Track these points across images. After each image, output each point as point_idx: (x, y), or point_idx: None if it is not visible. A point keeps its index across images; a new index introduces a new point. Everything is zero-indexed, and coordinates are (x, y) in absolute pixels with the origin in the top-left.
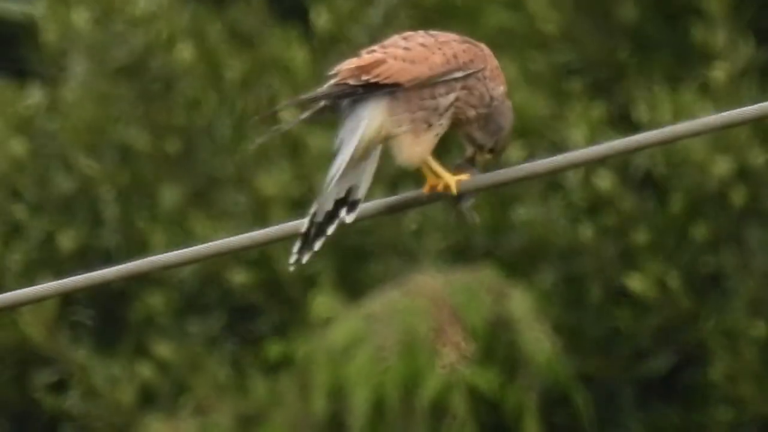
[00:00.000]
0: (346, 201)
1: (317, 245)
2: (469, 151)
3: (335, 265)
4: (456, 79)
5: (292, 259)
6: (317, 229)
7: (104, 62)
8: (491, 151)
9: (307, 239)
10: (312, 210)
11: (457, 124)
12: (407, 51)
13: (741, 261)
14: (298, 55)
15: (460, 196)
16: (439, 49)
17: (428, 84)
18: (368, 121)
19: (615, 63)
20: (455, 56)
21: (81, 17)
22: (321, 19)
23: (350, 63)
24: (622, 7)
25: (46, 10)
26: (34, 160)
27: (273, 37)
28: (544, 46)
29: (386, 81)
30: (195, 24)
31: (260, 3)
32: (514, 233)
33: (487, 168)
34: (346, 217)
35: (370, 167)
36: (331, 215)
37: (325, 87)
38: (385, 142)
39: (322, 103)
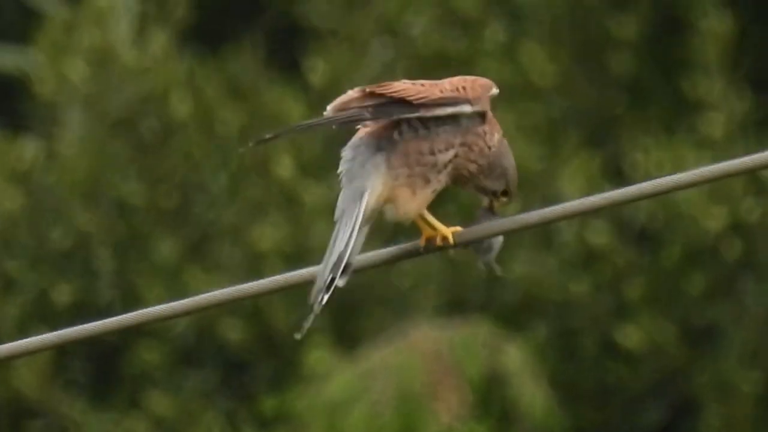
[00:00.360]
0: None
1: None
2: (485, 201)
3: (330, 319)
4: (463, 115)
5: (299, 334)
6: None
7: (100, 115)
8: (504, 193)
9: (312, 309)
10: (319, 281)
11: (460, 180)
12: (414, 85)
13: (735, 313)
14: (294, 109)
15: (481, 249)
16: (447, 82)
17: (438, 103)
18: (370, 191)
19: (609, 115)
20: (464, 88)
21: (76, 70)
22: (317, 72)
23: (358, 89)
24: (617, 59)
25: (41, 63)
26: (30, 213)
27: (269, 90)
28: (539, 98)
29: (395, 95)
30: (191, 76)
31: (256, 55)
32: (509, 288)
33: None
34: (339, 280)
35: (363, 236)
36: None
37: (331, 110)
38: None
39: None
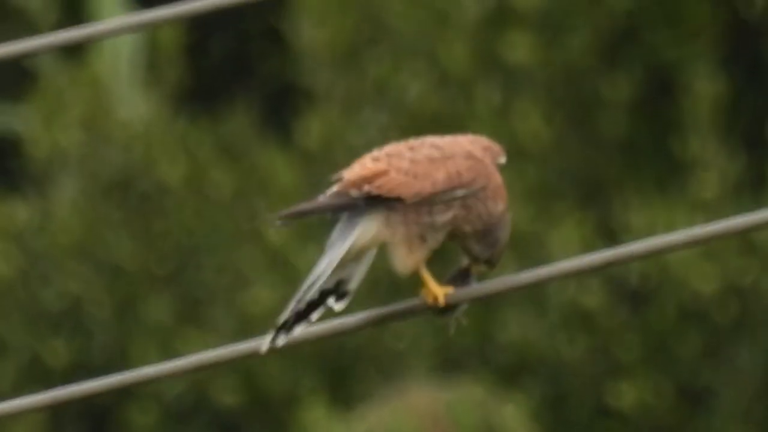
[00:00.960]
0: (336, 291)
1: (297, 330)
2: (465, 261)
3: (325, 379)
4: (456, 198)
5: (265, 345)
6: (298, 316)
7: (93, 177)
8: (487, 262)
9: (285, 326)
10: (292, 302)
11: (454, 237)
12: (412, 164)
13: (729, 377)
14: (286, 172)
15: (450, 308)
16: (444, 165)
17: (429, 200)
18: (362, 229)
19: (602, 176)
20: (458, 173)
21: (69, 133)
22: (310, 135)
23: (354, 171)
24: (610, 120)
25: (34, 124)
26: (24, 274)
27: (262, 153)
28: (533, 160)
29: (388, 194)
30: (184, 139)
31: (250, 117)
32: (501, 349)
33: (480, 278)
34: (335, 305)
35: (364, 264)
36: (317, 304)
37: (327, 196)
38: (379, 247)
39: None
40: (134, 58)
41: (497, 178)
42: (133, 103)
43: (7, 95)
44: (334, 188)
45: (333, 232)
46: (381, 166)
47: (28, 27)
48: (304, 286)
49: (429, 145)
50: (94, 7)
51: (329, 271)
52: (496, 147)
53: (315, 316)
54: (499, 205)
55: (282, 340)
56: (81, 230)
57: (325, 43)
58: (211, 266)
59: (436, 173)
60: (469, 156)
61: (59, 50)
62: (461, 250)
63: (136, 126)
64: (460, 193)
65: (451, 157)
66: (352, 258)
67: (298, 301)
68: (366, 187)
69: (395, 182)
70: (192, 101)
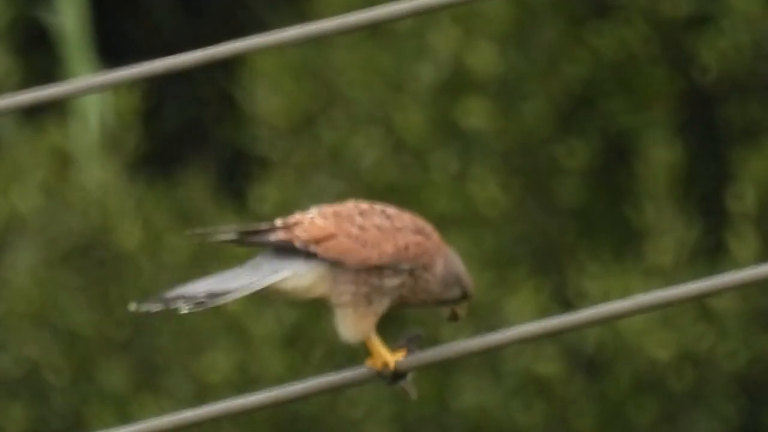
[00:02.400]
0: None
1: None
2: (446, 311)
3: None
4: (402, 270)
5: (143, 307)
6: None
7: (51, 245)
8: (464, 297)
9: (168, 301)
10: (190, 287)
11: (407, 303)
12: (361, 230)
13: None
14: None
15: (399, 375)
16: (393, 237)
17: (373, 269)
18: (300, 271)
19: (558, 243)
20: (406, 248)
21: (26, 201)
22: (265, 200)
23: (303, 227)
24: (565, 188)
25: None
26: None
27: (218, 218)
28: (488, 227)
29: (334, 258)
30: (141, 205)
31: (205, 184)
32: (457, 418)
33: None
34: (186, 309)
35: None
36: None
37: (270, 235)
38: (313, 302)
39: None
40: (94, 123)
41: (436, 240)
42: (92, 170)
43: None
44: (280, 234)
45: (263, 257)
46: (330, 228)
47: None
48: (215, 288)
49: (379, 212)
50: (65, 71)
51: (245, 293)
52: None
53: (184, 309)
54: (439, 260)
55: (156, 310)
56: (38, 296)
57: (278, 110)
58: (167, 332)
59: (385, 245)
60: (418, 230)
61: (20, 114)
62: (437, 306)
63: (94, 192)
64: (405, 266)
65: (400, 230)
66: (271, 294)
67: (204, 294)
68: (312, 248)
69: (342, 247)
70: (148, 167)
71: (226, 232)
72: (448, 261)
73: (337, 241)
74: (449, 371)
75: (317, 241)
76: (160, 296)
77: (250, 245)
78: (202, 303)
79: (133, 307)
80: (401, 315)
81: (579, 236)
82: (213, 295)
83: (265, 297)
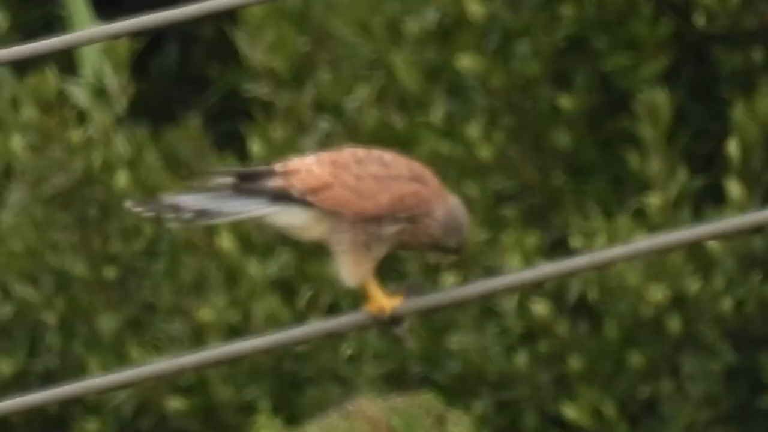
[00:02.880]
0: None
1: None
2: (434, 257)
3: (273, 391)
4: (400, 218)
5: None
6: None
7: (41, 189)
8: (455, 251)
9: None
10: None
11: (406, 246)
12: (357, 180)
13: (676, 388)
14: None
15: (395, 320)
16: (389, 187)
17: (371, 219)
18: (295, 211)
19: (549, 189)
20: (402, 198)
21: (17, 144)
22: (255, 147)
23: (300, 176)
24: (556, 134)
25: None
26: None
27: (208, 165)
28: (479, 173)
29: (331, 208)
30: (131, 151)
31: (196, 130)
32: (449, 360)
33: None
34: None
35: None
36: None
37: (268, 181)
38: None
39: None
40: (88, 68)
41: (436, 186)
42: (87, 113)
43: None
44: (277, 181)
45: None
46: (326, 178)
47: None
48: (208, 206)
49: (376, 159)
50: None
51: (236, 218)
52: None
53: (172, 222)
54: (439, 207)
55: (149, 213)
56: (28, 240)
57: (269, 56)
58: (159, 277)
59: (381, 195)
60: (414, 177)
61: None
62: (426, 250)
63: (88, 134)
64: (402, 215)
65: (397, 178)
66: (265, 223)
67: (196, 209)
68: (309, 197)
69: (338, 198)
70: (140, 114)
71: (224, 174)
72: (450, 208)
73: (333, 191)
74: (441, 314)
75: (314, 191)
76: (156, 201)
77: (246, 192)
78: (191, 219)
79: (128, 204)
80: (401, 266)
81: (570, 182)
82: (204, 214)
83: (256, 225)
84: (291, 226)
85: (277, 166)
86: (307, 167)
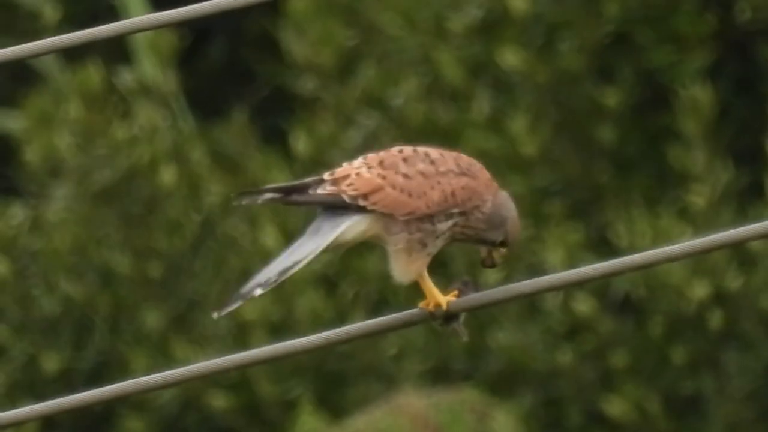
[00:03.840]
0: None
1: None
2: (483, 251)
3: (316, 388)
4: (452, 213)
5: (220, 311)
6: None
7: (86, 185)
8: (503, 244)
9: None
10: (269, 272)
11: (459, 240)
12: (406, 180)
13: (719, 384)
14: (278, 178)
15: (451, 316)
16: (438, 183)
17: (423, 218)
18: (354, 222)
19: (593, 185)
20: (453, 194)
21: (63, 141)
22: (300, 143)
23: (350, 179)
24: (601, 130)
25: (27, 131)
26: (17, 280)
27: (254, 161)
28: (524, 169)
29: (383, 210)
30: (177, 147)
31: (242, 126)
32: (493, 357)
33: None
34: (258, 291)
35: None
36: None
37: (320, 190)
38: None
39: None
40: (139, 64)
41: (485, 175)
42: (134, 109)
43: (4, 96)
44: (328, 187)
45: (319, 220)
46: (376, 180)
47: (32, 29)
48: (285, 264)
49: (423, 157)
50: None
51: (312, 256)
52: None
53: (259, 292)
54: (488, 199)
55: (234, 306)
56: (74, 236)
57: (315, 51)
58: (204, 273)
59: (431, 192)
60: (462, 172)
61: (62, 53)
62: (476, 244)
63: (128, 132)
64: (455, 210)
65: (445, 174)
66: (334, 248)
67: (276, 273)
68: (361, 201)
69: (390, 199)
70: (187, 106)
71: (272, 191)
72: (497, 201)
73: (384, 193)
74: (485, 311)
75: (365, 195)
76: (237, 294)
77: (297, 204)
78: (275, 281)
79: (215, 315)
80: (448, 266)
81: (614, 178)
82: (284, 271)
83: (330, 251)
84: (356, 237)
85: (326, 175)
86: (356, 172)
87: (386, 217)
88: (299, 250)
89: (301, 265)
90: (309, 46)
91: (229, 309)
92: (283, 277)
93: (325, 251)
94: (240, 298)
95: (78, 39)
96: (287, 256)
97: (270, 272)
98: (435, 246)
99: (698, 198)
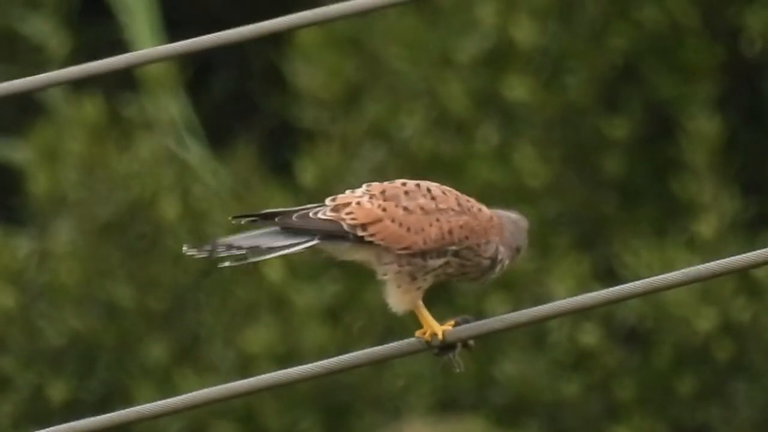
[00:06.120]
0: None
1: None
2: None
3: (322, 419)
4: (447, 252)
5: (191, 251)
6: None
7: (90, 219)
8: (518, 250)
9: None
10: (238, 240)
11: (452, 277)
12: (406, 213)
13: (726, 415)
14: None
15: (448, 346)
16: (437, 220)
17: (418, 254)
18: (348, 246)
19: (600, 216)
20: (450, 232)
21: (66, 176)
22: (307, 174)
23: (351, 208)
24: (607, 161)
25: (32, 163)
26: (23, 311)
27: (260, 191)
28: (530, 200)
29: (380, 242)
30: (181, 178)
31: (248, 157)
32: (499, 388)
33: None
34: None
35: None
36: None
37: (319, 218)
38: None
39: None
40: (144, 95)
41: (485, 219)
42: (129, 146)
43: (10, 127)
44: (328, 212)
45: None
46: (376, 212)
47: (36, 61)
48: (264, 244)
49: (425, 192)
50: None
51: (285, 252)
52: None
53: (226, 262)
54: (491, 243)
55: (204, 256)
56: (78, 269)
57: (323, 83)
58: (209, 305)
59: (429, 229)
60: (463, 211)
61: (69, 84)
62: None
63: (136, 164)
64: (451, 248)
65: (445, 211)
66: (317, 251)
67: (238, 248)
68: (360, 232)
69: (388, 232)
70: (193, 138)
71: (271, 215)
72: (505, 235)
73: (383, 225)
74: (490, 342)
75: (364, 226)
76: (211, 241)
77: (296, 228)
78: (244, 256)
79: (184, 248)
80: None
81: (620, 209)
82: (257, 251)
83: (307, 254)
84: (338, 249)
85: (327, 200)
86: (357, 200)
87: (378, 248)
88: (281, 239)
89: (272, 255)
90: (315, 78)
91: (197, 254)
92: (251, 258)
93: (307, 250)
94: (211, 247)
95: (82, 72)
96: (268, 238)
97: (244, 243)
98: (425, 281)
99: (705, 228)
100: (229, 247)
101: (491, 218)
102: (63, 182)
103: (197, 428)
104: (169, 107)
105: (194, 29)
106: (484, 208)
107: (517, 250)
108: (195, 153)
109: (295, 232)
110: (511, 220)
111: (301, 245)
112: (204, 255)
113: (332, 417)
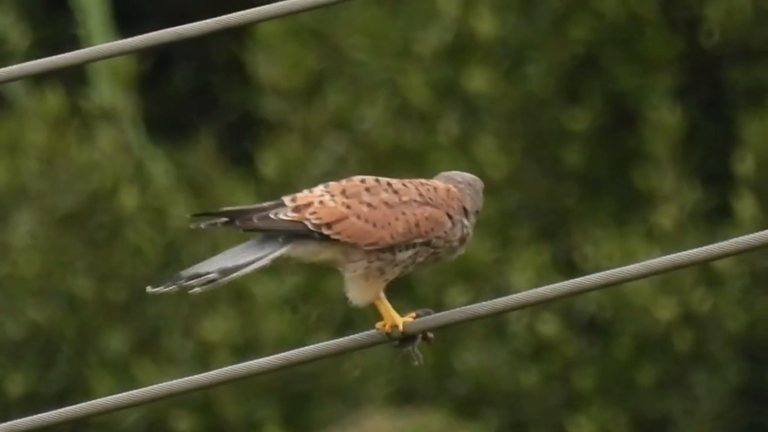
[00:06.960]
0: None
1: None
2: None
3: (281, 409)
4: (415, 244)
5: (154, 289)
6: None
7: (50, 211)
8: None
9: (178, 281)
10: (204, 266)
11: (422, 266)
12: (371, 209)
13: (687, 406)
14: (245, 202)
15: (408, 338)
16: (403, 213)
17: (386, 249)
18: (306, 244)
19: (561, 207)
20: (417, 225)
21: (27, 167)
22: (268, 166)
23: (314, 208)
24: (568, 152)
25: None
26: None
27: (221, 182)
28: (491, 191)
29: (346, 240)
30: (137, 171)
31: (208, 149)
32: (459, 378)
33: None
34: (199, 289)
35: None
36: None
37: (282, 216)
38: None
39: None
40: (99, 89)
41: (444, 196)
42: (95, 134)
43: None
44: (290, 213)
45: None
46: (340, 209)
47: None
48: (229, 264)
49: (385, 186)
50: (79, 37)
51: (259, 265)
52: (465, 185)
53: (197, 288)
54: (458, 228)
55: (170, 289)
56: (38, 261)
57: (284, 74)
58: (169, 296)
59: (395, 223)
60: (425, 202)
61: (28, 79)
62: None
63: (95, 157)
64: (418, 241)
65: (408, 204)
66: (284, 261)
67: (218, 271)
68: (325, 230)
69: (354, 229)
70: (151, 132)
71: (229, 214)
72: (466, 202)
73: (348, 222)
74: (450, 333)
75: (329, 225)
76: (175, 276)
77: (258, 230)
78: (214, 281)
79: (149, 289)
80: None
81: (581, 201)
82: (225, 272)
83: (276, 266)
84: (307, 254)
85: (286, 200)
86: (319, 200)
87: (345, 246)
88: (246, 255)
89: (242, 273)
90: (277, 70)
91: (164, 290)
92: (222, 280)
93: (274, 261)
94: (176, 282)
95: (42, 66)
96: (232, 257)
97: (210, 268)
98: (393, 273)
99: (665, 219)
100: (196, 275)
101: (448, 191)
102: (23, 174)
103: (156, 418)
104: (125, 100)
105: (155, 22)
106: (438, 183)
107: (477, 213)
108: (149, 145)
109: (259, 244)
110: (467, 184)
111: (267, 257)
112: (171, 288)
113: (291, 407)
